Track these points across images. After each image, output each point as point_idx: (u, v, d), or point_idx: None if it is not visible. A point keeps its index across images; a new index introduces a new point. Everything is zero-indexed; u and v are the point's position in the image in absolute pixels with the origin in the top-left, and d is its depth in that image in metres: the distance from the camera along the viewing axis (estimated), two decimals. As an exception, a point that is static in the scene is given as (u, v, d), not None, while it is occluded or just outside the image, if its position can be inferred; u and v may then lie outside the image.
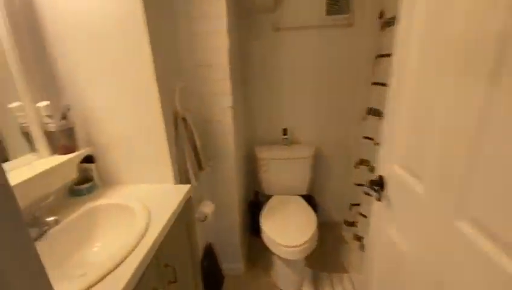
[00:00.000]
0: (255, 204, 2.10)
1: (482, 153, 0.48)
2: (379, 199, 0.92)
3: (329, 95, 1.91)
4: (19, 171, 0.82)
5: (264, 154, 1.85)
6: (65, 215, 0.87)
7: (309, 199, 2.01)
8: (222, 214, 1.59)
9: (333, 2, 1.68)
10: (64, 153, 0.94)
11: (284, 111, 1.98)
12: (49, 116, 0.89)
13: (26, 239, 0.30)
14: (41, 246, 0.75)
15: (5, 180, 0.27)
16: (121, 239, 0.74)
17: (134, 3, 0.87)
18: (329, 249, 1.97)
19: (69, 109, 0.93)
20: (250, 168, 2.05)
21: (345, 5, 1.68)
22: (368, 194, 1.69)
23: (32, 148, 0.91)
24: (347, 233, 2.09)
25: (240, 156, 1.71)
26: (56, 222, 0.74)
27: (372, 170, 1.73)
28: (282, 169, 1.87)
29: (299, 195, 1.93)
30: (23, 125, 0.88)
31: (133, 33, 0.90)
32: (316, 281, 1.67)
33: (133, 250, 0.70)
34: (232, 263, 1.74)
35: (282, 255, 1.43)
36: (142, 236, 0.76)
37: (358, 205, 1.95)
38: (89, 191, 1.05)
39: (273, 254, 1.50)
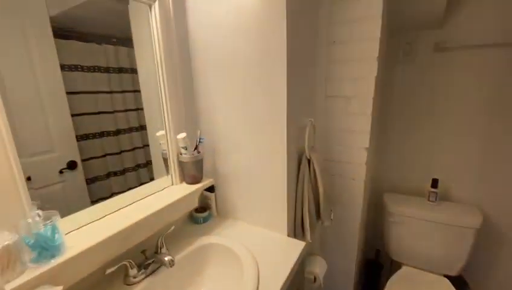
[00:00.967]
0: (375, 264, 1.67)
1: None
2: None
3: (506, 141, 1.27)
4: (156, 197, 0.88)
5: (398, 207, 1.42)
6: (180, 245, 0.87)
7: (459, 284, 1.39)
8: (334, 275, 1.30)
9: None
10: (192, 183, 0.95)
11: (436, 155, 1.47)
12: (184, 148, 0.91)
13: None
14: (156, 281, 0.74)
15: None
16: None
17: (281, 46, 0.77)
18: None
19: (201, 142, 0.94)
20: (373, 217, 1.65)
21: None
22: None
23: (167, 172, 0.97)
24: None
25: (366, 207, 1.38)
26: (171, 263, 0.71)
27: None
28: (424, 233, 1.37)
29: (444, 275, 1.37)
30: (163, 152, 0.94)
31: (271, 68, 0.80)
32: None
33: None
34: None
35: None
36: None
37: None
38: (205, 220, 1.04)
39: None
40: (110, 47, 0.85)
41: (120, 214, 0.77)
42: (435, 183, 1.41)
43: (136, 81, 0.91)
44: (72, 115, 0.76)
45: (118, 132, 0.89)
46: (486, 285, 1.48)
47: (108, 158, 0.87)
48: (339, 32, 1.07)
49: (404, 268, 1.44)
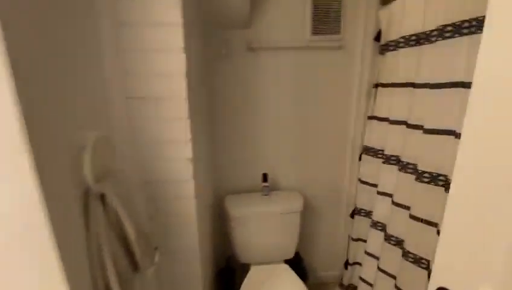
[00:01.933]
0: (226, 271, 1.58)
1: None
2: None
3: (317, 130, 1.54)
4: None
5: (237, 210, 1.37)
6: None
7: (297, 262, 1.56)
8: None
9: (321, 18, 1.36)
10: None
11: (263, 151, 1.55)
12: None
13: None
14: None
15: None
16: None
17: None
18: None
19: None
20: (220, 225, 1.55)
21: (334, 23, 1.37)
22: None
23: None
24: (344, 301, 1.67)
25: (210, 217, 1.21)
26: None
27: (375, 224, 1.36)
28: (263, 228, 1.40)
29: (285, 261, 1.48)
30: None
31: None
32: None
33: None
34: None
35: None
36: None
37: (358, 264, 1.56)
38: None
39: None
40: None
41: None
42: (265, 177, 1.48)
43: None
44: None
45: None
46: (312, 251, 1.76)
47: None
48: (129, 10, 0.78)
49: (252, 268, 1.43)
